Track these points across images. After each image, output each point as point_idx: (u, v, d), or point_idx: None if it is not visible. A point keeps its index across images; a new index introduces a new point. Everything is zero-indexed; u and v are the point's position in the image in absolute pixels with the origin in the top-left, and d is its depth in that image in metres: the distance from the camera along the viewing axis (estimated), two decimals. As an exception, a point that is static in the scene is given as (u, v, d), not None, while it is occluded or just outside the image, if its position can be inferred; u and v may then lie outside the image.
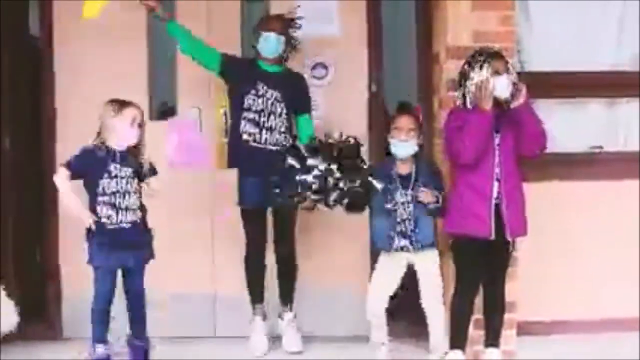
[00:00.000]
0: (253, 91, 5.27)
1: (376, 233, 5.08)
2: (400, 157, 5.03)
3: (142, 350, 4.93)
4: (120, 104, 4.82)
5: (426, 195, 4.95)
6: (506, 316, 5.11)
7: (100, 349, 4.83)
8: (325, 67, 5.76)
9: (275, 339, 5.46)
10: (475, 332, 5.16)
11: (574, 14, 5.73)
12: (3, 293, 5.09)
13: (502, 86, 4.83)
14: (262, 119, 5.25)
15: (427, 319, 5.12)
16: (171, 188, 5.22)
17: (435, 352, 5.13)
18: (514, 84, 4.85)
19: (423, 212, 4.97)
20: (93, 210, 4.77)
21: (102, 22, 5.61)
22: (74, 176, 4.77)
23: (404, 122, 5.03)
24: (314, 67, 5.75)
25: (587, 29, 5.76)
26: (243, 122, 5.27)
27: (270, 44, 5.29)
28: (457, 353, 5.06)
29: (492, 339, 5.11)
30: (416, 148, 5.02)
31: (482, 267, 5.01)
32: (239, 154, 5.32)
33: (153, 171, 4.89)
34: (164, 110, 5.85)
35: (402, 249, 5.02)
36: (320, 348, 5.46)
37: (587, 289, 5.62)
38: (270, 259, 5.40)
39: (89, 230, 4.78)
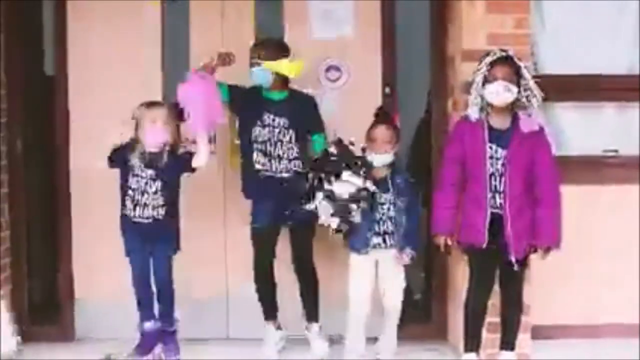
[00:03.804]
0: (259, 122, 5.28)
1: (355, 236, 5.09)
2: (376, 166, 5.07)
3: (172, 335, 5.21)
4: (146, 105, 5.07)
5: (402, 260, 5.12)
6: (520, 319, 5.12)
7: (148, 324, 5.14)
8: (338, 69, 5.74)
9: (291, 341, 5.51)
10: (489, 336, 5.14)
11: (589, 16, 5.71)
12: (4, 317, 5.24)
13: (491, 93, 4.81)
14: (269, 149, 5.27)
15: (384, 317, 5.18)
16: (183, 190, 5.21)
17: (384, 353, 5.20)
18: (525, 89, 4.84)
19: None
20: (123, 203, 5.09)
21: (117, 23, 5.65)
22: (112, 165, 5.14)
23: (380, 133, 5.07)
24: (327, 70, 5.74)
25: (602, 32, 5.74)
26: (255, 153, 5.28)
27: (256, 77, 5.29)
28: (471, 356, 5.06)
29: (507, 342, 5.09)
30: (392, 158, 5.09)
31: (495, 270, 4.99)
32: (253, 183, 5.34)
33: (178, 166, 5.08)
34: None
35: (374, 246, 5.08)
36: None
37: (599, 293, 5.62)
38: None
39: (122, 221, 5.14)
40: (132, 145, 5.06)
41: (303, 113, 5.31)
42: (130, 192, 5.06)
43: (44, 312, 5.84)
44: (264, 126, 5.27)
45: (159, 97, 5.62)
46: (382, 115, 5.18)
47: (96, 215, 5.55)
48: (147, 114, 5.03)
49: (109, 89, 5.69)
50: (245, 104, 5.34)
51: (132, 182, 5.05)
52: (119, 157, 5.07)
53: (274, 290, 5.44)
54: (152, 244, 5.10)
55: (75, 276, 5.73)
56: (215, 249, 5.70)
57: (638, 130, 5.78)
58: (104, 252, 5.49)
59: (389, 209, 5.08)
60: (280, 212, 5.24)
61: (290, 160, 5.28)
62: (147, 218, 5.06)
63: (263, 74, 5.26)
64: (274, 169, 5.27)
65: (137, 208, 5.05)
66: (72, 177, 5.71)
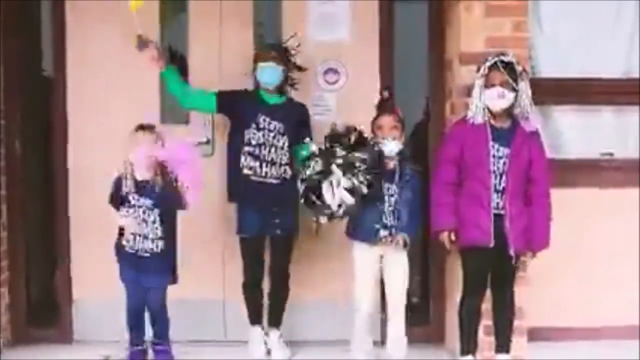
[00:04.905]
0: (254, 125, 5.26)
1: (359, 225, 5.07)
2: (387, 154, 5.05)
3: (166, 352, 5.21)
4: (136, 128, 4.98)
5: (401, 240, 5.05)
6: (515, 322, 5.09)
7: (135, 349, 5.18)
8: (336, 72, 5.74)
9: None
10: (485, 338, 5.15)
11: (586, 20, 5.71)
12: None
13: (489, 99, 4.85)
14: (262, 153, 5.24)
15: (388, 312, 5.15)
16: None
17: (393, 350, 5.16)
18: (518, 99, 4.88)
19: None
20: (121, 234, 5.05)
21: (116, 23, 5.64)
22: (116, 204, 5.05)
23: (386, 120, 5.08)
24: (325, 72, 5.74)
25: (599, 35, 5.74)
26: (243, 157, 5.25)
27: (267, 75, 5.29)
28: (467, 358, 5.06)
29: (502, 345, 5.09)
30: (401, 146, 5.07)
31: (488, 273, 5.01)
32: (239, 188, 5.32)
33: (170, 198, 4.97)
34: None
35: (380, 239, 5.06)
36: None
37: (599, 295, 5.63)
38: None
39: (117, 249, 5.09)
40: (125, 174, 5.00)
41: (298, 122, 5.32)
42: None
43: (43, 314, 5.84)
44: (258, 129, 5.26)
45: (156, 96, 5.66)
46: (386, 105, 5.17)
47: (94, 217, 5.52)
48: (134, 137, 4.96)
49: (107, 90, 5.69)
50: (241, 106, 5.31)
51: (130, 214, 4.99)
52: (117, 193, 5.01)
53: (261, 300, 5.46)
54: (149, 276, 5.06)
55: (74, 278, 5.74)
56: (213, 252, 5.69)
57: (637, 134, 5.79)
58: (102, 254, 5.43)
59: (396, 201, 5.04)
60: (267, 220, 5.25)
61: (281, 166, 5.26)
62: (146, 251, 5.01)
63: (273, 71, 5.28)
64: (263, 174, 5.24)
65: (137, 240, 5.00)
66: (70, 178, 5.71)
